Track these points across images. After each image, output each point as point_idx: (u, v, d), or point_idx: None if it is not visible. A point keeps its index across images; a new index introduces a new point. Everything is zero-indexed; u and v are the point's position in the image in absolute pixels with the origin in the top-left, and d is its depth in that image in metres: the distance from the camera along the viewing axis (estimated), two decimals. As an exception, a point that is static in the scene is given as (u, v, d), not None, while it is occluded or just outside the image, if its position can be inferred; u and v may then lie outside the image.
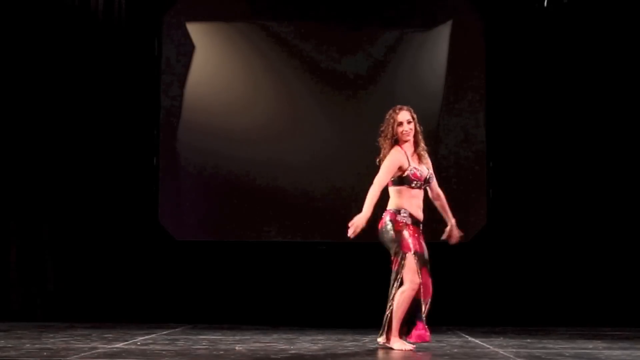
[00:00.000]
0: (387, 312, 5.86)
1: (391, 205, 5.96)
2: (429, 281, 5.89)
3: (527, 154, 8.99)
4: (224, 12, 9.29)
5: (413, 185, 5.92)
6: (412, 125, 5.95)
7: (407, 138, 5.95)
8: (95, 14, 9.11)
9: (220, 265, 9.03)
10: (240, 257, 9.02)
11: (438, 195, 6.15)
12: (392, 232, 5.88)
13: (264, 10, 9.25)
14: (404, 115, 5.95)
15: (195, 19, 9.27)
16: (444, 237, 6.14)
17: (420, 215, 5.98)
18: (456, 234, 6.13)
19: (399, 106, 6.02)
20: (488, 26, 9.12)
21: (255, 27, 9.23)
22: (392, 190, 5.98)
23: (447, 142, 9.09)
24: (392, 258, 5.89)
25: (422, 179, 5.94)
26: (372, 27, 9.22)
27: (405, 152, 5.95)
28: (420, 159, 6.00)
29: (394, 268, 5.86)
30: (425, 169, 5.99)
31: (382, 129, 6.00)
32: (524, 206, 8.94)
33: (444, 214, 6.17)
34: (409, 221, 5.91)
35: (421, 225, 5.99)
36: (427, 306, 5.91)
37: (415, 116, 5.99)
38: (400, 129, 5.93)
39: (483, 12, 9.15)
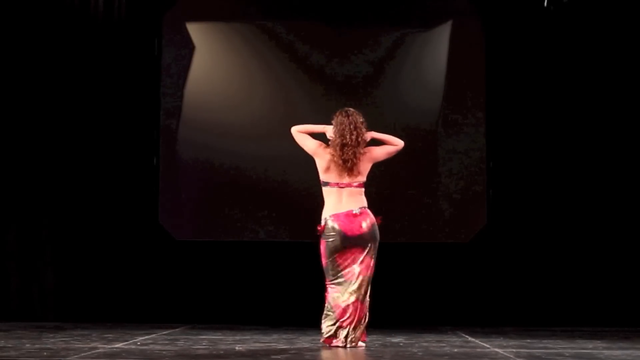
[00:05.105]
0: (365, 313, 5.95)
1: (366, 204, 6.04)
2: None
3: (527, 154, 8.98)
4: (224, 12, 9.28)
5: None
6: None
7: None
8: (95, 14, 9.10)
9: (220, 265, 9.02)
10: (240, 257, 9.02)
11: None
12: (378, 232, 5.99)
13: (264, 11, 9.23)
14: None
15: (195, 19, 9.26)
16: None
17: None
18: None
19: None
20: (488, 26, 9.11)
21: (256, 28, 9.22)
22: (362, 190, 6.07)
23: (447, 142, 9.08)
24: (365, 257, 5.89)
25: None
26: (372, 27, 9.20)
27: None
28: None
29: (368, 273, 5.90)
30: None
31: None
32: (524, 206, 8.93)
33: None
34: None
35: None
36: None
37: None
38: None
39: (483, 12, 9.14)
